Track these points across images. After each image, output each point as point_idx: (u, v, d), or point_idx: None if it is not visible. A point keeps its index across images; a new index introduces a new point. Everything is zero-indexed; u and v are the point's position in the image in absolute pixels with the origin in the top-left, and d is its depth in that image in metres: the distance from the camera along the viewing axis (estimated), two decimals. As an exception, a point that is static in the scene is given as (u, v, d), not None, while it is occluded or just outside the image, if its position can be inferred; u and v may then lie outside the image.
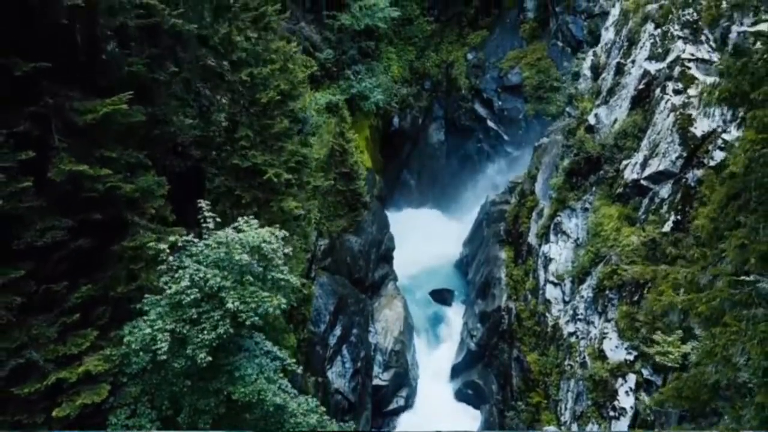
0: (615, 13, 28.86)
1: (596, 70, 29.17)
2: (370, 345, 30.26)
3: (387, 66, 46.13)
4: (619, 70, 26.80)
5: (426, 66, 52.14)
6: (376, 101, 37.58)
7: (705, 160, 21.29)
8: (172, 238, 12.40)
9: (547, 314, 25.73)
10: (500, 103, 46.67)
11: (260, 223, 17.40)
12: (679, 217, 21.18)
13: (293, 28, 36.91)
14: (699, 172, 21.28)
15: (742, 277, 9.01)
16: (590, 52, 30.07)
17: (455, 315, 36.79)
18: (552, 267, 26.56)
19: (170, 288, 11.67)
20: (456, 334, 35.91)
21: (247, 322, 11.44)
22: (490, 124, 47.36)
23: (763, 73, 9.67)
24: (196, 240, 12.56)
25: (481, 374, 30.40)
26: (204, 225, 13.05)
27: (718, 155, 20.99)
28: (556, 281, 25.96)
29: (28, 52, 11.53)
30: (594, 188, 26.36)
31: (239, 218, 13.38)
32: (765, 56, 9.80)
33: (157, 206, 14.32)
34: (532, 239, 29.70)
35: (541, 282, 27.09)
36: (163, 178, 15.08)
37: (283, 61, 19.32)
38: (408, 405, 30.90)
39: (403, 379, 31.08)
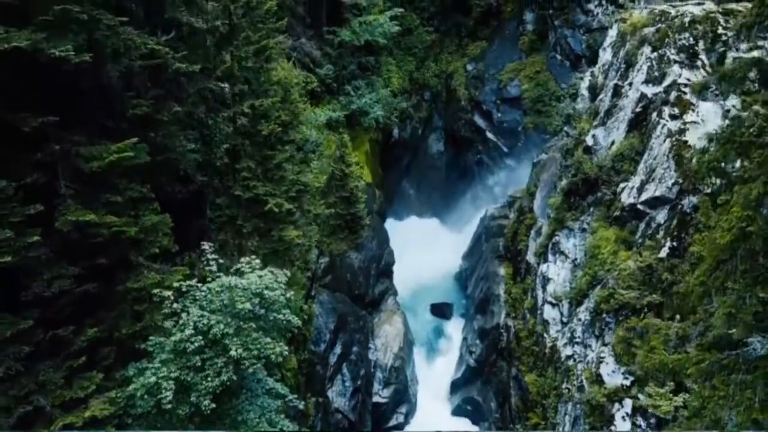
0: (612, 34, 29.09)
1: (594, 91, 29.40)
2: (370, 362, 30.52)
3: (387, 78, 46.40)
4: (617, 92, 27.03)
5: (426, 76, 52.44)
6: (375, 117, 37.84)
7: (701, 187, 21.53)
8: (176, 283, 12.64)
9: (545, 335, 25.99)
10: (499, 115, 46.91)
11: (262, 254, 17.69)
12: (675, 243, 21.42)
13: (294, 44, 37.22)
14: (695, 199, 21.52)
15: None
16: (588, 73, 30.31)
17: (454, 329, 37.08)
18: (550, 287, 26.82)
19: (175, 334, 11.92)
20: (455, 348, 36.20)
21: (250, 369, 11.69)
22: (490, 135, 47.58)
23: (749, 143, 9.92)
24: (199, 285, 12.81)
25: (481, 391, 30.66)
26: (207, 268, 13.29)
27: (715, 181, 21.21)
28: (554, 302, 26.22)
29: (35, 105, 11.78)
30: (592, 209, 26.61)
31: (242, 258, 13.62)
32: (751, 129, 10.05)
33: (160, 244, 14.59)
34: (530, 258, 29.95)
35: (540, 302, 27.35)
36: (167, 215, 15.34)
37: (284, 92, 19.56)
38: (407, 421, 31.17)
39: (403, 396, 31.35)
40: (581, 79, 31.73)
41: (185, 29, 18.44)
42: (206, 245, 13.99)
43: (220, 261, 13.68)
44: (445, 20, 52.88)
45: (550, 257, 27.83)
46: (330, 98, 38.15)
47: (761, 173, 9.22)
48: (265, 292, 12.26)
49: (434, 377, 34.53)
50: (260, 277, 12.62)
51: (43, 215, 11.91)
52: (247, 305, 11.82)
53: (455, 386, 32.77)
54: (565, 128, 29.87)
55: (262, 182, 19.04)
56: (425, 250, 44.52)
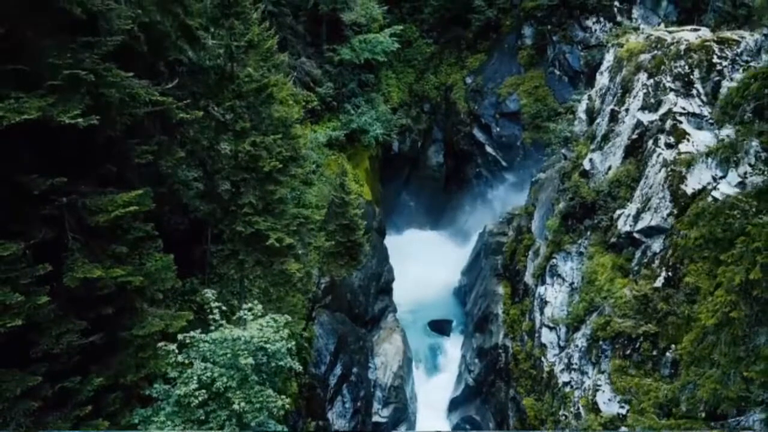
0: (609, 58, 29.39)
1: (591, 114, 29.74)
2: (370, 381, 30.86)
3: (387, 92, 46.74)
4: (613, 118, 27.36)
5: (425, 88, 52.77)
6: (375, 135, 38.18)
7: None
8: (180, 336, 12.96)
9: (542, 358, 26.33)
10: (498, 129, 47.23)
11: (264, 286, 18.01)
12: (670, 273, 21.73)
13: (294, 63, 37.55)
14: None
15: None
16: (585, 96, 30.61)
17: (453, 346, 37.42)
18: (548, 310, 27.15)
19: (179, 388, 12.26)
20: (454, 364, 36.57)
21: (252, 423, 12.03)
22: (489, 149, 47.92)
23: (731, 232, 10.23)
24: (203, 336, 13.14)
25: (479, 410, 31.02)
26: (211, 316, 13.63)
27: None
28: (551, 325, 26.55)
29: (44, 164, 12.11)
30: (589, 233, 26.94)
31: (243, 305, 13.96)
32: (736, 215, 10.37)
33: (165, 288, 14.92)
34: (528, 279, 30.29)
35: (537, 324, 27.68)
36: (171, 256, 15.65)
37: (285, 128, 19.89)
38: (407, 440, 31.58)
39: (402, 414, 31.70)
40: (578, 101, 32.02)
41: (186, 69, 18.87)
42: (209, 292, 14.32)
43: (223, 308, 14.01)
44: (445, 32, 53.19)
45: (548, 280, 28.17)
46: (330, 116, 38.50)
47: (744, 259, 9.57)
48: (267, 345, 12.60)
49: (433, 394, 34.87)
50: (261, 328, 12.95)
51: (50, 263, 12.24)
52: (250, 360, 12.16)
53: (454, 404, 33.13)
54: (563, 150, 30.18)
55: (264, 217, 19.34)
56: (425, 263, 44.87)
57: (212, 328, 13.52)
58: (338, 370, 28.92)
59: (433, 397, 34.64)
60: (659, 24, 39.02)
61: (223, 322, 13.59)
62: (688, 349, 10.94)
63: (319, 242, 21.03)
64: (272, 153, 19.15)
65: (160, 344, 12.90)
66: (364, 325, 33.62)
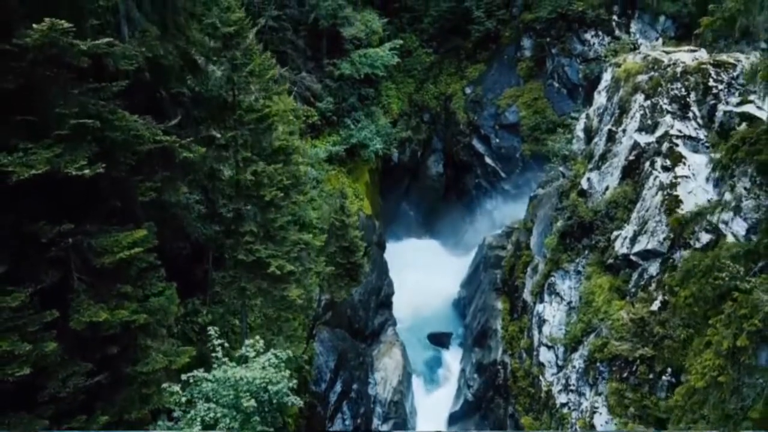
0: (607, 78, 29.65)
1: (589, 133, 30.00)
2: (370, 397, 31.13)
3: (387, 104, 46.96)
4: (611, 138, 27.62)
5: (425, 98, 52.99)
6: (375, 150, 38.44)
7: (691, 242, 22.12)
8: (184, 377, 13.22)
9: (540, 377, 26.60)
10: (497, 140, 47.47)
11: (265, 313, 18.26)
12: (666, 298, 22.00)
13: (295, 79, 37.83)
14: (686, 253, 22.10)
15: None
16: (583, 115, 30.88)
17: (453, 359, 37.70)
18: (546, 329, 27.42)
19: (184, 430, 12.53)
20: (453, 377, 36.87)
21: (254, 463, 12.32)
22: (488, 160, 48.16)
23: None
24: (206, 375, 13.40)
25: (478, 425, 31.29)
26: (214, 354, 13.91)
27: (704, 237, 21.82)
28: (549, 344, 26.82)
29: (50, 209, 12.38)
30: (587, 252, 27.20)
31: (246, 341, 14.24)
32: (724, 276, 10.65)
33: (168, 324, 15.19)
34: (527, 296, 30.56)
35: (536, 342, 27.95)
36: (174, 286, 15.92)
37: (285, 156, 20.17)
38: (407, 456, 31.85)
39: (402, 429, 31.95)
40: (576, 119, 32.29)
41: (189, 98, 19.16)
42: (212, 330, 14.60)
43: (226, 344, 14.29)
44: (445, 42, 53.39)
45: (546, 298, 28.44)
46: (330, 130, 38.78)
47: (732, 324, 9.86)
48: (269, 387, 12.88)
49: (433, 408, 35.11)
50: (264, 367, 13.22)
51: (57, 306, 12.51)
52: (252, 402, 12.43)
53: (453, 419, 33.39)
54: (561, 168, 30.44)
55: (265, 244, 19.62)
56: (424, 273, 45.11)
57: (215, 366, 13.79)
58: (338, 387, 29.19)
59: (433, 411, 34.88)
60: (657, 39, 39.37)
61: (226, 359, 13.85)
62: (679, 402, 11.23)
63: (319, 267, 21.31)
64: (273, 181, 19.42)
65: (164, 385, 13.16)
66: (363, 339, 33.90)
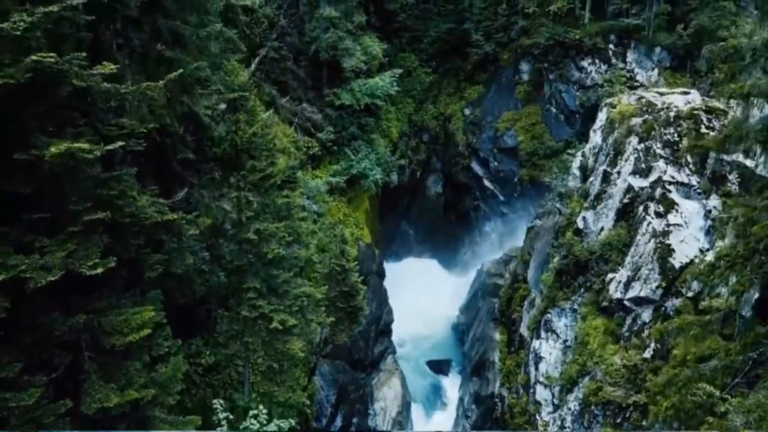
0: (602, 118, 30.19)
1: (585, 171, 30.55)
2: (369, 429, 31.70)
3: (386, 128, 47.48)
4: (606, 179, 28.18)
5: (424, 119, 53.61)
6: (375, 180, 38.98)
7: (683, 290, 22.72)
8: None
9: (537, 416, 27.17)
10: (496, 164, 48.06)
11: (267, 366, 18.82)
12: (658, 345, 22.60)
13: (295, 109, 38.42)
14: (677, 302, 22.71)
15: None
16: (579, 153, 31.43)
17: (452, 386, 38.30)
18: (542, 367, 28.00)
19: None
20: (452, 403, 37.49)
21: None
22: (487, 183, 48.80)
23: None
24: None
25: (476, 457, 31.89)
26: (219, 429, 14.48)
27: (695, 286, 22.40)
28: (546, 383, 27.39)
29: (63, 297, 12.94)
30: (582, 290, 27.78)
31: (250, 412, 14.81)
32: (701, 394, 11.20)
33: (175, 393, 15.76)
34: (524, 330, 31.14)
35: (532, 379, 28.53)
36: (180, 358, 16.49)
37: (288, 212, 20.72)
38: (406, 487, 32.45)
39: (401, 459, 32.59)
40: (572, 155, 32.85)
41: (193, 160, 19.69)
42: (217, 403, 15.16)
43: (231, 416, 14.86)
44: (444, 62, 54.03)
45: (543, 334, 29.01)
46: (330, 159, 39.33)
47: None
48: (272, 464, 13.47)
49: (432, 434, 35.77)
50: (268, 444, 13.81)
51: (67, 388, 13.09)
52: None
53: (452, 448, 34.02)
54: (557, 205, 31.00)
55: (268, 299, 20.17)
56: (424, 294, 45.79)
57: (221, 439, 14.36)
58: (339, 421, 29.79)
59: (432, 438, 35.52)
60: (653, 69, 39.93)
61: (231, 432, 14.43)
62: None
63: (320, 318, 21.85)
64: (276, 238, 19.97)
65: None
66: (363, 369, 34.47)
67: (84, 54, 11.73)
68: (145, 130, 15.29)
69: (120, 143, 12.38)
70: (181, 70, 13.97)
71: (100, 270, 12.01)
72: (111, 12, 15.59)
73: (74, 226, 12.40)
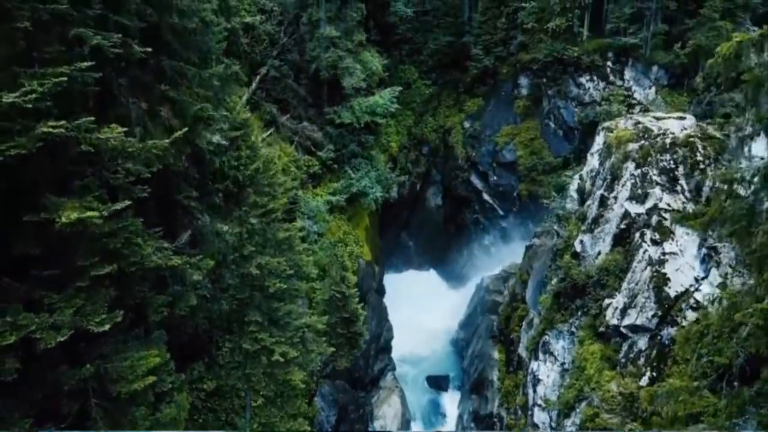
0: (599, 142, 30.50)
1: (582, 194, 30.88)
2: (370, 449, 32.11)
3: (386, 142, 47.82)
4: (603, 203, 28.49)
5: (424, 131, 53.93)
6: (375, 198, 39.31)
7: (678, 319, 23.04)
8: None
9: (535, 439, 27.54)
10: (495, 177, 48.41)
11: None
12: (654, 374, 22.93)
13: (296, 128, 38.74)
14: (673, 331, 23.04)
15: None
16: (576, 176, 31.75)
17: (451, 402, 38.66)
18: (540, 389, 28.35)
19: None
20: (451, 420, 37.84)
21: None
22: (486, 197, 49.15)
23: None
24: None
25: (475, 475, 32.25)
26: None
27: (690, 315, 22.75)
28: (543, 406, 27.74)
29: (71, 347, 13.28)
30: (580, 313, 28.09)
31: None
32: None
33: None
34: (522, 351, 31.48)
35: (530, 401, 28.88)
36: (185, 396, 16.86)
37: (289, 245, 21.06)
38: (405, 504, 32.83)
39: (401, 478, 32.97)
40: (570, 177, 33.18)
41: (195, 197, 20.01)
42: (221, 443, 15.53)
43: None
44: (443, 74, 54.35)
45: (541, 356, 29.35)
46: (330, 176, 39.66)
47: None
48: None
49: (431, 452, 36.16)
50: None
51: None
52: None
53: (451, 466, 34.38)
54: (555, 227, 31.33)
55: (269, 332, 20.51)
56: (423, 308, 46.19)
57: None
58: (339, 442, 30.17)
59: (431, 456, 35.91)
60: (650, 87, 40.26)
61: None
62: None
63: (321, 348, 22.20)
64: (277, 273, 20.31)
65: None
66: (363, 387, 34.82)
67: (92, 118, 12.05)
68: (150, 175, 15.61)
69: (127, 202, 12.71)
70: (186, 129, 14.18)
71: (107, 326, 12.34)
72: (119, 62, 15.90)
73: (82, 281, 12.74)
